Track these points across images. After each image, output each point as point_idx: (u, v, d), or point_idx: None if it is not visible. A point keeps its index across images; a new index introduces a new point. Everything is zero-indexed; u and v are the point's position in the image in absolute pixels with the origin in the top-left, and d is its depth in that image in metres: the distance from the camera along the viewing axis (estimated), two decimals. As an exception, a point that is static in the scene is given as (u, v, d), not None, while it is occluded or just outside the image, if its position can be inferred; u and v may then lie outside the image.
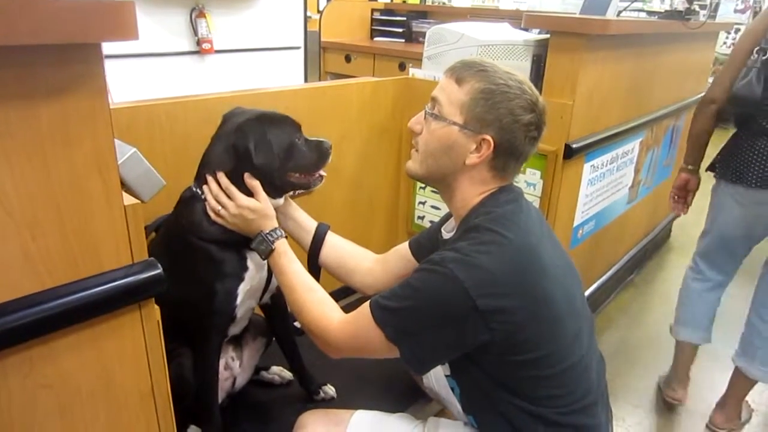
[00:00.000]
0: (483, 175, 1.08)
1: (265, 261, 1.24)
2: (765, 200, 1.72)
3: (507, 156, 1.06)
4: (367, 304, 1.04)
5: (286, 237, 1.23)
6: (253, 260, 1.26)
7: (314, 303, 1.14)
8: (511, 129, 1.04)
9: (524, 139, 1.05)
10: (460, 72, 1.06)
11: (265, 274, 1.31)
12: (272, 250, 1.20)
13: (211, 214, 1.20)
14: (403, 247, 1.38)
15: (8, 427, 0.74)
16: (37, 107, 0.65)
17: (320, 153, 1.29)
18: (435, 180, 1.14)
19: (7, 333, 0.69)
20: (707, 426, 1.97)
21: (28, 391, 0.75)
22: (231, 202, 1.18)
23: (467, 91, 1.04)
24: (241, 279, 1.24)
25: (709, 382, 2.15)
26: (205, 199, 1.21)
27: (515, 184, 1.14)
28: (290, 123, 1.27)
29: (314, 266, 1.39)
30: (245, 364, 1.46)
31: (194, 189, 1.23)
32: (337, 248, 1.39)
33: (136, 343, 0.85)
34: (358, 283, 1.40)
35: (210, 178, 1.20)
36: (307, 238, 1.38)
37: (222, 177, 1.19)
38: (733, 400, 1.95)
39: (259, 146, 1.18)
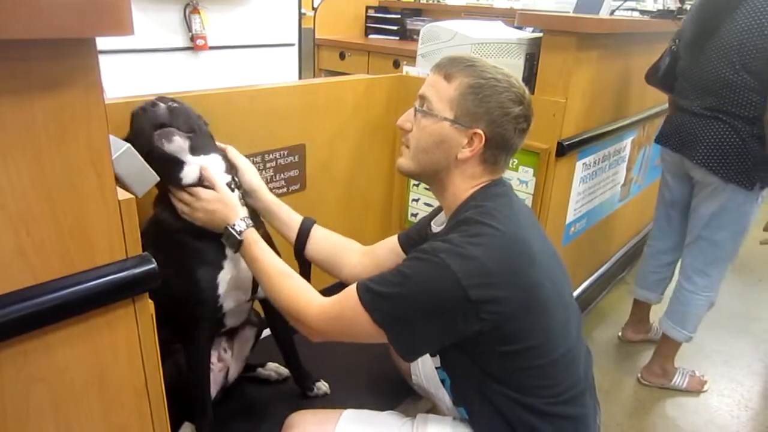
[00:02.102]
0: (474, 170, 1.09)
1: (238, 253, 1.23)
2: (665, 156, 2.06)
3: (498, 149, 1.08)
4: (353, 286, 1.04)
5: (253, 226, 1.22)
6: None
7: (292, 288, 1.14)
8: (501, 122, 1.05)
9: (514, 131, 1.07)
10: (448, 68, 1.08)
11: None
12: (241, 242, 1.19)
13: (180, 211, 1.21)
14: (393, 240, 1.39)
15: (1, 420, 0.75)
16: (32, 102, 0.65)
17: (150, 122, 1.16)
18: (427, 176, 1.14)
19: (1, 326, 0.69)
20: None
21: (21, 385, 0.75)
22: (191, 198, 1.19)
23: (456, 87, 1.06)
24: (220, 267, 1.24)
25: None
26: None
27: (507, 180, 1.15)
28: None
29: (302, 261, 1.39)
30: (236, 354, 1.47)
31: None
32: (323, 241, 1.39)
33: (130, 337, 0.85)
34: (346, 275, 1.40)
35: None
36: (293, 234, 1.38)
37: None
38: (638, 318, 2.40)
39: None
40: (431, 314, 0.98)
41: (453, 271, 0.94)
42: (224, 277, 1.25)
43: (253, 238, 1.19)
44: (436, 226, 1.24)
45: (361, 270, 1.38)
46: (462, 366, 1.08)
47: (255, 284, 1.34)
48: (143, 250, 0.83)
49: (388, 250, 1.38)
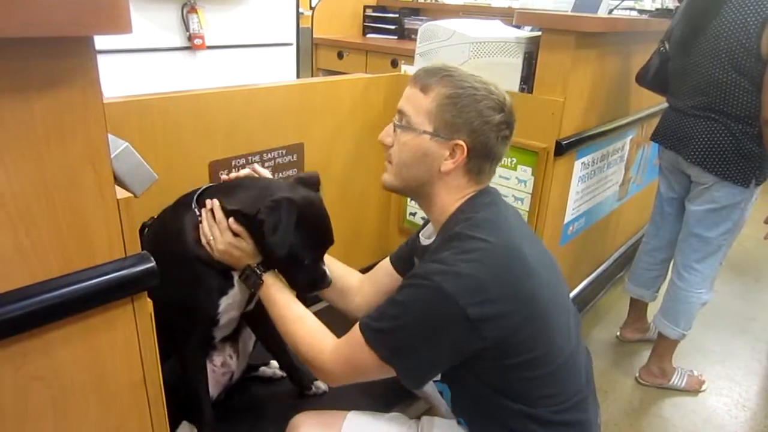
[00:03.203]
0: (459, 181, 1.08)
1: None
2: (661, 152, 2.07)
3: (481, 158, 1.07)
4: (357, 326, 1.04)
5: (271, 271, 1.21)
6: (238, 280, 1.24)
7: (307, 333, 1.13)
8: (482, 131, 1.04)
9: (496, 139, 1.06)
10: (425, 80, 1.06)
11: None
12: (261, 283, 1.18)
13: (202, 239, 1.17)
14: (386, 263, 1.38)
15: (0, 418, 0.75)
16: (30, 100, 0.65)
17: (312, 282, 1.22)
18: (411, 190, 1.13)
19: (0, 325, 0.69)
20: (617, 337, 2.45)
21: (20, 384, 0.75)
22: (220, 236, 1.14)
23: (433, 98, 1.04)
24: (224, 293, 1.23)
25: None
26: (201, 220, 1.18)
27: (498, 185, 1.14)
28: (314, 235, 1.19)
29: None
30: (242, 354, 1.47)
31: (194, 206, 1.20)
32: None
33: (129, 336, 0.85)
34: (350, 305, 1.39)
35: (208, 204, 1.16)
36: None
37: (218, 210, 1.14)
38: (635, 317, 2.42)
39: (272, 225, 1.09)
40: (434, 339, 0.97)
41: (449, 293, 0.92)
42: (226, 301, 1.24)
43: (272, 281, 1.19)
44: (425, 238, 1.22)
45: (361, 299, 1.37)
46: (465, 381, 1.07)
47: (247, 302, 1.32)
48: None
49: (383, 274, 1.37)
